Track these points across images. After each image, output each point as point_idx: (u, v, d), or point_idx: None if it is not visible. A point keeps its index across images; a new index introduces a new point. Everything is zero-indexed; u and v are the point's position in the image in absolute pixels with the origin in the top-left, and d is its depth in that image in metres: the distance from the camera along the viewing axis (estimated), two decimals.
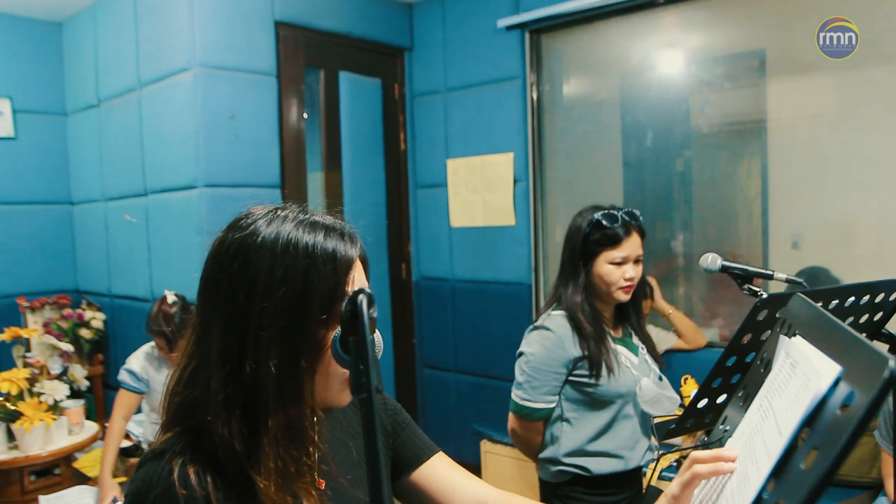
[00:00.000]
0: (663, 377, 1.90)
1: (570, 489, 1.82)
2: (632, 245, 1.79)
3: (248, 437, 0.81)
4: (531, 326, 1.88)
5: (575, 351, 1.78)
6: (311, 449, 0.87)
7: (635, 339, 1.91)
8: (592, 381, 1.77)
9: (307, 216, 0.87)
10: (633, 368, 1.83)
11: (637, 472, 1.87)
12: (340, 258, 0.84)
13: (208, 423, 0.80)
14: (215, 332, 0.82)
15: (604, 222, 1.78)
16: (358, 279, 0.87)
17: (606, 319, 1.86)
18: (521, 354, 1.86)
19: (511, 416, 1.88)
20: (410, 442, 1.06)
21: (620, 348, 1.84)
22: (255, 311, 0.80)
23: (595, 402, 1.80)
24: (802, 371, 0.72)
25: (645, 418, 1.86)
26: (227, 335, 0.81)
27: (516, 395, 1.84)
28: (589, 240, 1.79)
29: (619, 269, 1.78)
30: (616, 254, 1.78)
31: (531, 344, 1.84)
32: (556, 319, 1.82)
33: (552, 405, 1.82)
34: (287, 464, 0.82)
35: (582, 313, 1.79)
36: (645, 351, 1.90)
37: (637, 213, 1.83)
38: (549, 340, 1.80)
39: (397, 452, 1.05)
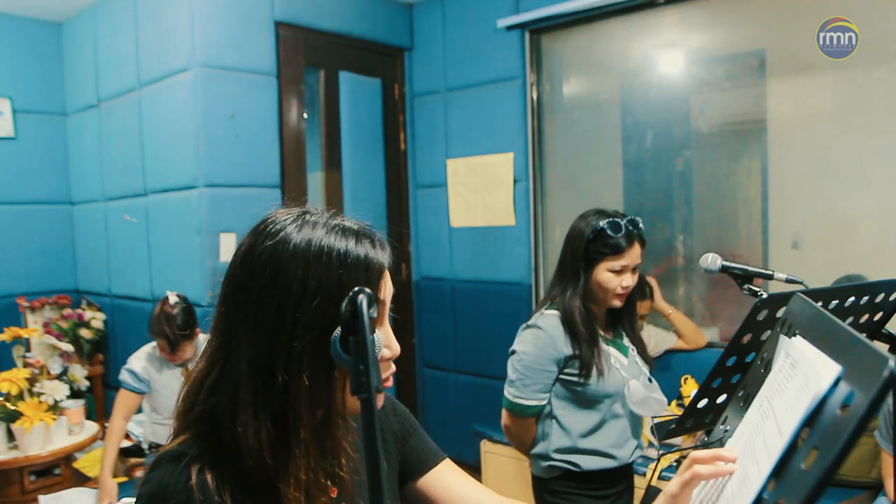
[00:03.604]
0: (653, 379, 1.92)
1: (560, 484, 1.86)
2: (632, 255, 1.81)
3: (278, 448, 0.80)
4: (524, 325, 1.91)
5: (566, 350, 1.81)
6: (342, 459, 0.86)
7: (626, 341, 1.94)
8: (581, 380, 1.81)
9: (337, 222, 0.85)
10: (622, 370, 1.86)
11: (626, 469, 1.91)
12: (373, 265, 0.83)
13: (237, 433, 0.79)
14: (245, 341, 0.81)
15: (608, 231, 1.79)
16: (388, 286, 0.86)
17: (599, 321, 1.89)
18: (513, 352, 1.89)
19: (504, 412, 1.91)
20: (418, 448, 1.06)
21: (611, 349, 1.88)
22: (287, 321, 0.79)
23: (583, 401, 1.84)
24: (802, 371, 0.72)
25: (635, 418, 1.89)
26: (259, 345, 0.80)
27: (509, 392, 1.88)
28: (591, 246, 1.81)
29: (617, 277, 1.81)
30: (617, 263, 1.80)
31: (523, 342, 1.87)
32: (548, 319, 1.85)
33: (544, 402, 1.85)
34: (318, 474, 0.81)
35: (578, 315, 1.82)
36: (635, 352, 1.93)
37: (639, 221, 1.84)
38: (540, 339, 1.83)
39: (405, 458, 1.04)
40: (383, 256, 0.85)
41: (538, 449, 1.89)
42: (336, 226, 0.84)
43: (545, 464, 1.87)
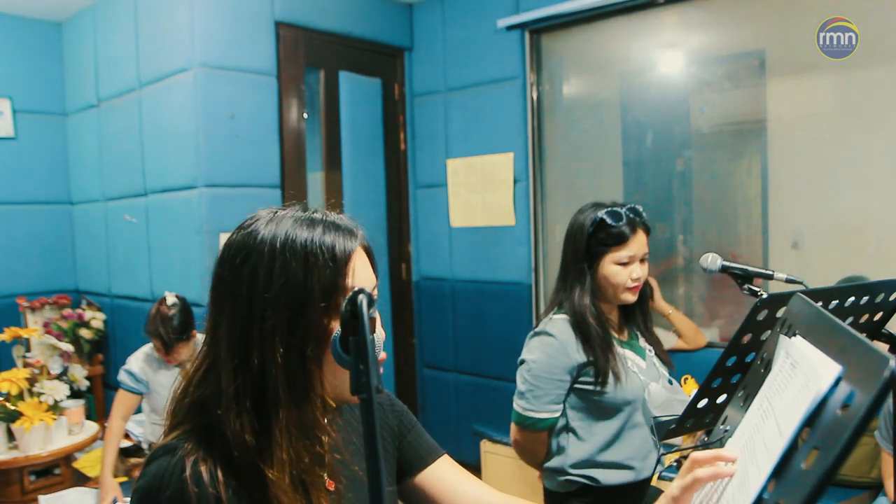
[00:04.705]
0: (673, 381, 1.82)
1: (576, 500, 1.75)
2: (638, 243, 1.71)
3: (259, 429, 0.82)
4: (532, 332, 1.79)
5: (579, 356, 1.70)
6: (324, 439, 0.87)
7: (642, 342, 1.83)
8: (598, 388, 1.69)
9: (306, 214, 0.88)
10: (640, 374, 1.75)
11: (647, 483, 1.78)
12: (339, 250, 0.85)
13: (219, 417, 0.81)
14: (223, 328, 0.84)
15: (608, 220, 1.69)
16: (360, 270, 0.87)
17: (612, 323, 1.78)
18: (522, 362, 1.77)
19: (513, 426, 1.79)
20: (416, 444, 1.06)
21: (627, 352, 1.76)
22: (257, 303, 0.82)
23: (601, 411, 1.72)
24: (803, 371, 0.72)
25: None
26: (233, 329, 0.83)
27: (518, 404, 1.75)
28: (593, 240, 1.71)
29: (625, 269, 1.70)
30: (622, 253, 1.70)
31: (532, 351, 1.75)
32: (558, 324, 1.74)
33: (556, 414, 1.73)
34: (300, 455, 0.83)
35: (591, 316, 1.70)
36: (653, 354, 1.82)
37: (640, 208, 1.75)
38: (551, 346, 1.71)
39: (403, 454, 1.05)
40: (351, 241, 0.87)
41: (553, 463, 1.77)
42: (304, 217, 0.87)
43: (561, 479, 1.75)
